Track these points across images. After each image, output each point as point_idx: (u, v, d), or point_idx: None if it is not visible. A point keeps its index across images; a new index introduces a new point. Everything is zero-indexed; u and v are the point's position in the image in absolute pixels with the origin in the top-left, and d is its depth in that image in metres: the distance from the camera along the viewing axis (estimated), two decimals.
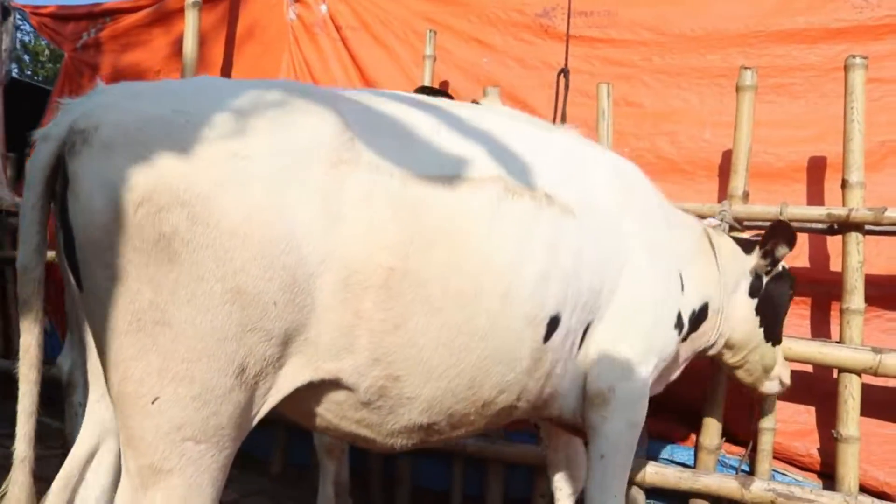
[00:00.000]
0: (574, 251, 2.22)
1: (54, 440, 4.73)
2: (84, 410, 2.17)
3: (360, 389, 1.93)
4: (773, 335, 3.14)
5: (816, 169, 3.97)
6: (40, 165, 1.70)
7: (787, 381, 3.24)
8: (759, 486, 3.51)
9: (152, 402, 1.64)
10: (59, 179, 1.71)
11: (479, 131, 2.16)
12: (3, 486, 1.79)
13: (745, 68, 3.77)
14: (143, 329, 1.62)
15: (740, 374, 3.23)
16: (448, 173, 1.98)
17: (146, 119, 1.66)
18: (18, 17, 6.50)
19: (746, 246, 3.12)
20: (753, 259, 3.06)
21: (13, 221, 5.74)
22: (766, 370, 3.18)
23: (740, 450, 3.90)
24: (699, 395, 3.93)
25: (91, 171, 1.62)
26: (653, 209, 2.69)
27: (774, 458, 3.72)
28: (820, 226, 3.64)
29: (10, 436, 5.01)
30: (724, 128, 4.07)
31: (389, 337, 1.89)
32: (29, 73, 20.10)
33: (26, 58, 22.92)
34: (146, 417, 1.65)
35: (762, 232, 3.69)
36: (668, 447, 3.97)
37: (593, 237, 2.31)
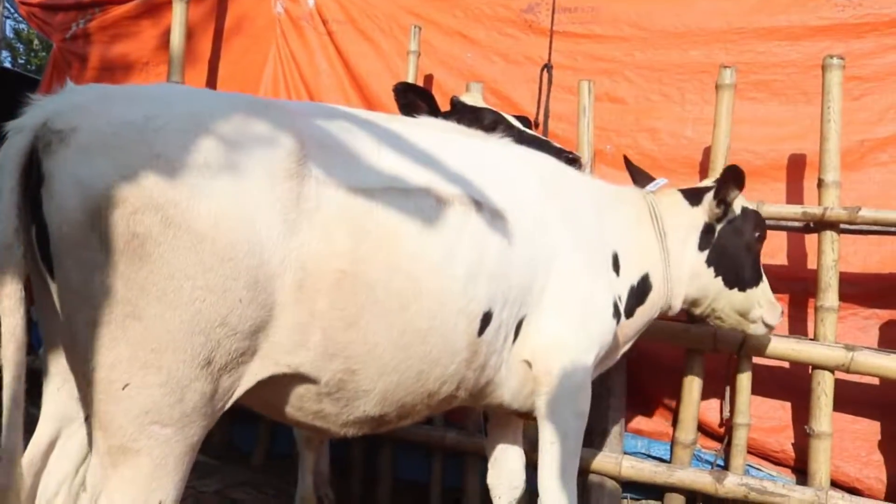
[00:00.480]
0: (501, 252, 2.37)
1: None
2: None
3: (321, 382, 2.08)
4: (738, 280, 3.09)
5: (796, 167, 3.99)
6: (15, 154, 1.77)
7: (773, 320, 3.16)
8: (732, 481, 3.55)
9: (122, 388, 1.75)
10: (32, 174, 1.78)
11: (416, 146, 2.33)
12: None
13: (725, 67, 3.79)
14: (114, 321, 1.73)
15: (716, 322, 3.24)
16: (386, 185, 2.14)
17: (120, 124, 1.77)
18: (7, 5, 6.49)
19: (695, 197, 3.12)
20: (703, 209, 3.08)
21: None
22: (743, 314, 3.15)
23: (716, 445, 3.94)
24: (675, 390, 3.98)
25: (67, 171, 1.72)
26: (580, 204, 2.78)
27: (749, 453, 3.77)
28: (796, 224, 3.68)
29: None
30: (706, 124, 4.09)
31: (343, 334, 2.04)
32: (23, 61, 20.02)
33: (20, 46, 22.85)
34: (116, 402, 1.76)
35: None
36: (646, 441, 4.01)
37: (521, 238, 2.45)
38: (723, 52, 4.18)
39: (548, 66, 4.42)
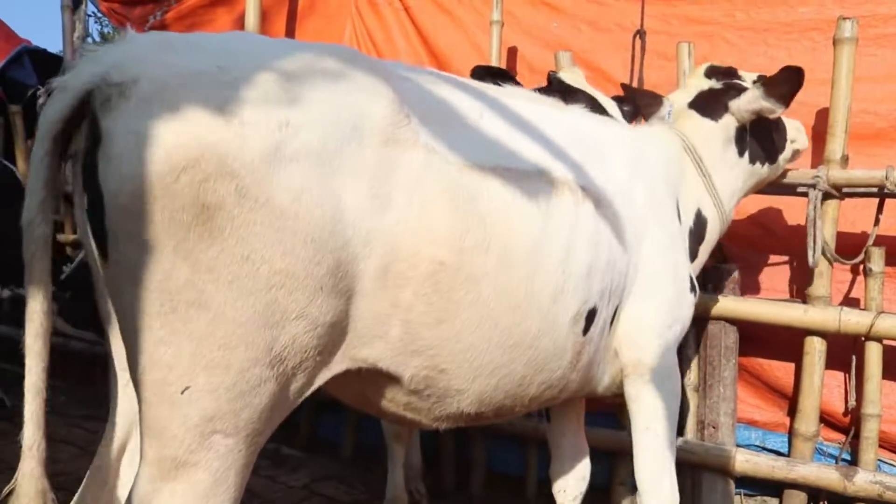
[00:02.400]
0: (608, 242, 2.23)
1: None
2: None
3: (404, 378, 1.86)
4: (779, 148, 3.05)
5: None
6: (54, 118, 1.52)
7: (803, 145, 3.17)
8: (863, 478, 3.22)
9: (181, 392, 1.49)
10: (85, 135, 1.53)
11: (519, 118, 2.10)
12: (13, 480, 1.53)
13: (844, 19, 3.41)
14: (177, 310, 1.47)
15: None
16: (500, 164, 1.90)
17: (189, 74, 1.48)
18: (92, 6, 6.55)
19: (714, 111, 2.88)
20: (732, 117, 2.88)
21: None
22: (786, 161, 3.15)
23: (839, 437, 3.60)
24: (793, 377, 3.65)
25: (128, 129, 1.44)
26: (655, 174, 2.61)
27: (880, 447, 3.40)
28: None
29: (90, 417, 5.08)
30: (817, 85, 3.72)
31: (431, 331, 1.81)
32: None
33: None
34: (173, 407, 1.50)
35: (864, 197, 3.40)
36: (760, 433, 3.70)
37: (619, 225, 2.30)
38: (837, 7, 3.78)
39: (640, 32, 4.11)
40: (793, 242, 3.68)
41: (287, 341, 1.56)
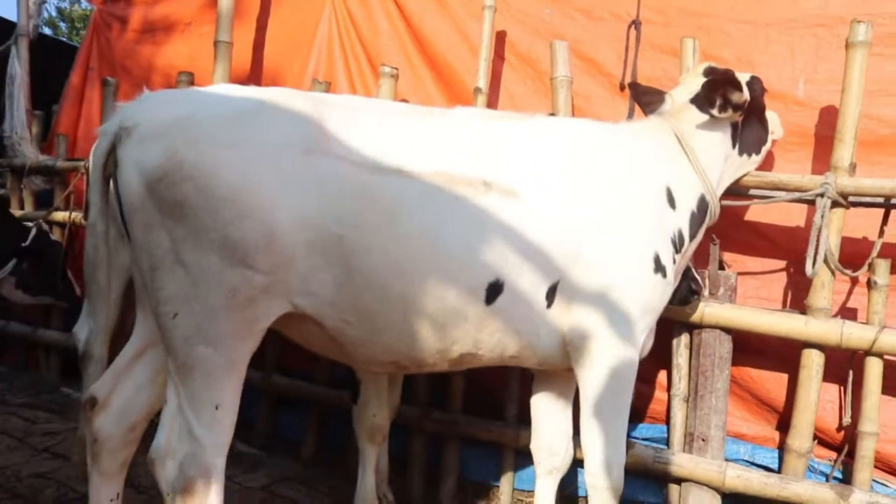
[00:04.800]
0: (511, 227, 2.54)
1: (76, 414, 4.45)
2: None
3: (325, 325, 2.46)
4: (763, 140, 3.25)
5: None
6: (99, 153, 2.36)
7: (779, 135, 3.37)
8: (859, 498, 3.08)
9: (173, 318, 2.29)
10: (112, 161, 2.33)
11: (439, 132, 2.61)
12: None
13: (858, 22, 3.25)
14: (166, 266, 2.28)
15: None
16: (400, 167, 2.44)
17: (169, 119, 2.27)
18: None
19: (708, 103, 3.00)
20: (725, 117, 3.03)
21: (37, 180, 5.46)
22: (766, 152, 3.33)
23: (830, 454, 3.46)
24: (785, 390, 3.50)
25: (130, 157, 2.26)
26: (617, 164, 2.82)
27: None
28: None
29: (30, 405, 4.73)
30: (818, 85, 3.59)
31: (337, 290, 2.39)
32: (64, 39, 19.88)
33: (63, 25, 22.77)
34: (172, 329, 2.31)
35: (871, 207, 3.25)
36: (749, 447, 3.54)
37: (538, 213, 2.59)
38: (842, 2, 3.63)
39: (636, 23, 3.93)
40: (789, 249, 3.53)
41: (237, 281, 2.27)
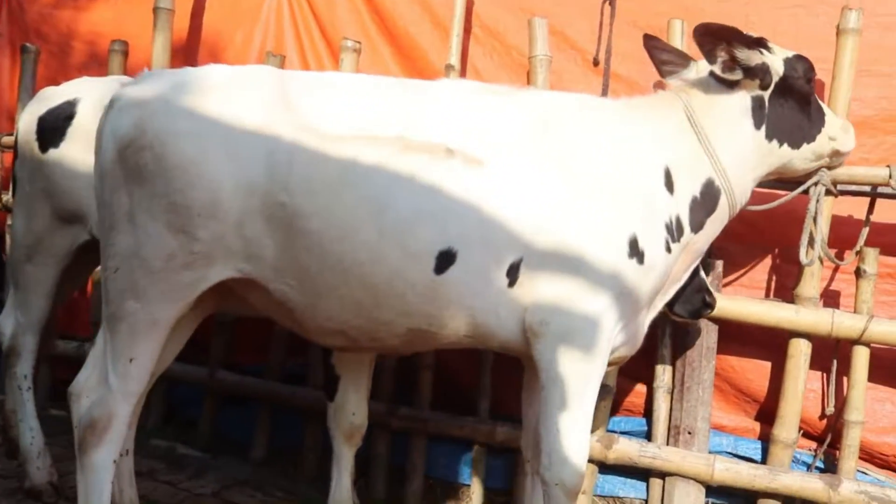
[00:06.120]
0: (471, 196, 2.45)
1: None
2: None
3: (270, 289, 2.53)
4: (804, 136, 2.79)
5: None
6: (98, 128, 2.63)
7: (848, 146, 2.90)
8: (849, 488, 3.05)
9: (115, 272, 2.51)
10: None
11: (411, 101, 2.60)
12: None
13: (850, 9, 3.17)
14: (120, 223, 2.48)
15: (795, 176, 2.96)
16: (359, 132, 2.47)
17: (147, 93, 2.50)
18: None
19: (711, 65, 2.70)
20: (744, 87, 2.70)
21: None
22: (817, 158, 2.87)
23: (810, 444, 3.42)
24: (767, 380, 3.45)
25: (110, 125, 2.51)
26: (596, 139, 2.62)
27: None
28: None
29: None
30: None
31: (281, 254, 2.46)
32: None
33: None
34: (111, 281, 2.52)
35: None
36: (731, 439, 3.47)
37: (503, 182, 2.48)
38: None
39: None
40: (774, 237, 3.45)
41: (176, 245, 2.42)
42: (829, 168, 2.95)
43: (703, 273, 3.01)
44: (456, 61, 3.78)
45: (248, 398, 4.22)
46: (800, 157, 2.81)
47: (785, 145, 2.75)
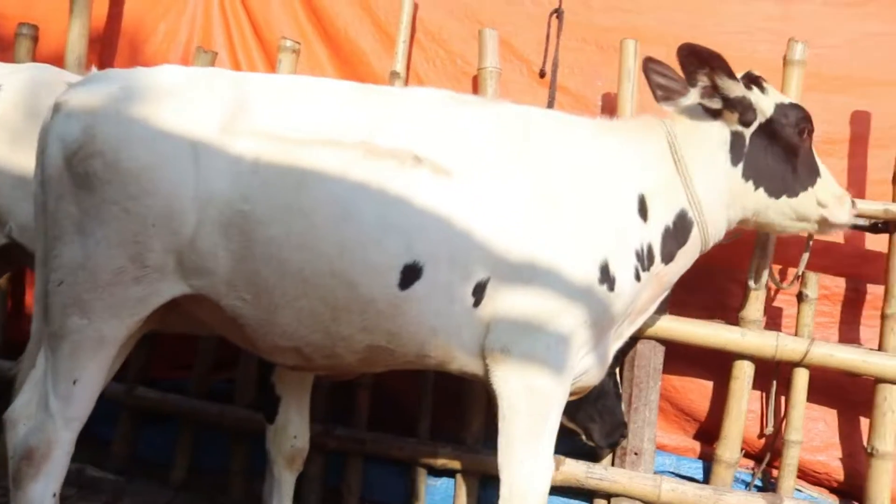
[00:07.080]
0: (440, 208, 2.35)
1: None
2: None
3: (223, 306, 2.40)
4: (785, 187, 2.64)
5: (859, 143, 3.49)
6: (41, 132, 2.49)
7: (840, 217, 2.70)
8: None
9: (58, 285, 2.34)
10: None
11: (370, 105, 2.49)
12: None
13: (795, 41, 3.23)
14: (67, 234, 2.33)
15: (776, 231, 2.88)
16: (321, 138, 2.37)
17: (96, 96, 2.36)
18: None
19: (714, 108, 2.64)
20: (725, 119, 2.63)
21: None
22: (802, 219, 2.71)
23: (748, 462, 3.48)
24: (709, 401, 3.49)
25: (56, 131, 2.36)
26: (572, 159, 2.54)
27: None
28: (861, 222, 3.17)
29: None
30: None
31: (237, 265, 2.33)
32: None
33: None
34: (53, 296, 2.35)
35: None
36: (674, 459, 3.49)
37: (474, 196, 2.39)
38: None
39: (558, 11, 3.73)
40: (713, 255, 3.47)
41: (128, 258, 2.29)
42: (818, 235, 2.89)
43: (623, 407, 3.21)
44: (402, 68, 3.65)
45: (168, 416, 3.94)
46: (777, 210, 2.68)
47: (761, 190, 2.64)
